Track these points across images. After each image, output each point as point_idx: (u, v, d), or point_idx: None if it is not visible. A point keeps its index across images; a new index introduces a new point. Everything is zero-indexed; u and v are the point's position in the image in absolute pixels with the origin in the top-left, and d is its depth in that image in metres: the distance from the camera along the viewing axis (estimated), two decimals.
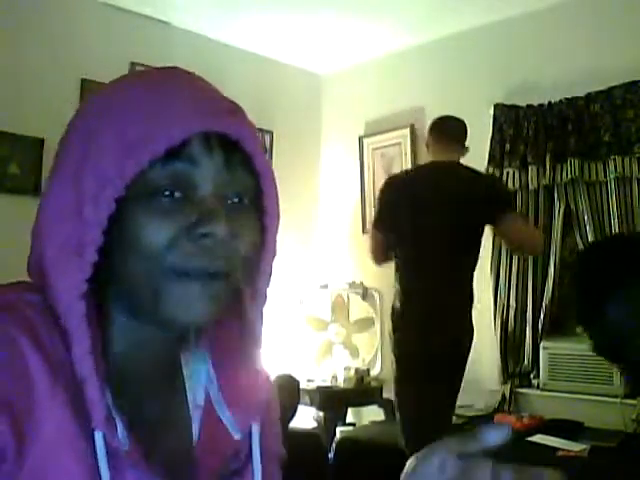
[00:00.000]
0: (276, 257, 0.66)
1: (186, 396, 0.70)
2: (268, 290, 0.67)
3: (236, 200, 0.61)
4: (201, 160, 0.59)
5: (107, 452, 0.56)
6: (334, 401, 3.75)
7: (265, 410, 0.70)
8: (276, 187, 0.64)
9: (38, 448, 0.54)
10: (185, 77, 0.63)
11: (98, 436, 0.56)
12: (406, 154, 4.08)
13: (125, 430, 0.59)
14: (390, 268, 2.73)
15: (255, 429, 0.68)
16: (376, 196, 2.85)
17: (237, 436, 0.67)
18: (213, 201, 0.59)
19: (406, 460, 0.54)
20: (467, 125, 2.84)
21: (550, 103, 3.40)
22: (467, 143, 2.81)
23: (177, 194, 0.58)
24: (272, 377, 0.74)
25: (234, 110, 0.62)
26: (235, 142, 0.60)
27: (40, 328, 0.57)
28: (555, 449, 2.78)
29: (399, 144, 4.13)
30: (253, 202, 0.63)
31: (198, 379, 0.70)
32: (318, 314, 4.10)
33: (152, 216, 0.57)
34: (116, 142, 0.57)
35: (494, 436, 0.52)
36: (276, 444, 0.75)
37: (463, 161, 2.77)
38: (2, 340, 0.55)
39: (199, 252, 0.58)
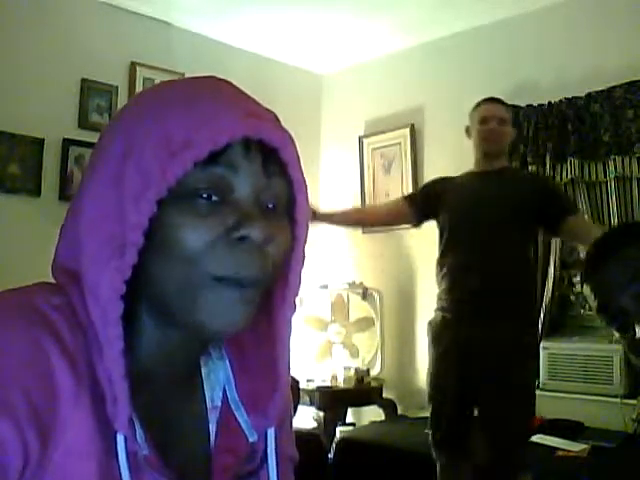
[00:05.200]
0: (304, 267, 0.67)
1: (204, 395, 0.70)
2: (297, 299, 0.67)
3: (271, 206, 0.62)
4: (240, 165, 0.59)
5: (127, 455, 0.57)
6: (334, 401, 3.74)
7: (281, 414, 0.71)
8: (308, 199, 0.65)
9: (61, 452, 0.54)
10: (223, 84, 0.64)
11: (120, 439, 0.56)
12: (406, 154, 4.08)
13: (143, 433, 0.59)
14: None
15: (270, 432, 0.68)
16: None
17: (252, 439, 0.67)
18: (250, 205, 0.59)
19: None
20: None
21: (550, 103, 3.40)
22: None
23: (214, 197, 0.58)
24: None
25: (273, 118, 0.63)
26: (273, 149, 0.60)
27: (64, 331, 0.57)
28: (555, 449, 2.78)
29: (399, 144, 4.13)
30: (285, 210, 0.63)
31: (216, 379, 0.71)
32: (318, 314, 4.10)
33: (189, 218, 0.57)
34: (159, 143, 0.57)
35: None
36: (289, 446, 0.76)
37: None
38: (28, 344, 0.55)
39: (236, 257, 0.58)
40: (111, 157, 0.60)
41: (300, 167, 0.63)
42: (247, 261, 0.59)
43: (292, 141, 0.62)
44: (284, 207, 0.63)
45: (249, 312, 0.61)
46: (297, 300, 0.67)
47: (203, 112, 0.58)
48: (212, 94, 0.61)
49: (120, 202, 0.57)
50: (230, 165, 0.58)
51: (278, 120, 0.64)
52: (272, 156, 0.61)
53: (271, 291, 0.66)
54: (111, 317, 0.56)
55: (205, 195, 0.58)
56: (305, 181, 0.64)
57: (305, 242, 0.65)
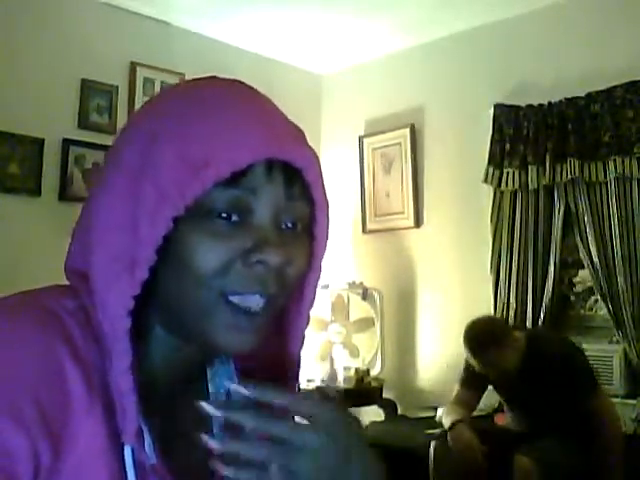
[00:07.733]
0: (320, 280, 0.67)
1: (208, 397, 0.70)
2: (310, 312, 0.67)
3: (290, 226, 0.61)
4: (262, 188, 0.58)
5: (135, 464, 0.57)
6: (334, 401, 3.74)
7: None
8: (329, 217, 0.64)
9: (72, 460, 0.54)
10: (249, 95, 0.62)
11: (127, 451, 0.56)
12: (406, 154, 4.08)
13: (152, 442, 0.59)
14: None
15: None
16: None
17: None
18: (269, 228, 0.58)
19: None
20: None
21: (550, 103, 3.39)
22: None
23: (234, 218, 0.57)
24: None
25: (298, 136, 0.62)
26: (297, 169, 0.59)
27: (78, 336, 0.57)
28: None
29: (399, 144, 4.12)
30: (306, 229, 0.63)
31: (221, 382, 0.71)
32: (318, 314, 4.09)
33: (207, 238, 0.56)
34: (178, 158, 0.55)
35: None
36: None
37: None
38: (41, 350, 0.54)
39: (252, 279, 0.57)
40: (128, 163, 0.58)
41: (323, 186, 0.62)
42: (264, 282, 0.58)
43: (317, 160, 0.61)
44: (305, 226, 0.62)
45: (262, 334, 0.61)
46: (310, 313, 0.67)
47: (225, 129, 0.56)
48: (236, 108, 0.59)
49: (134, 217, 0.56)
50: (251, 187, 0.57)
51: (304, 136, 0.62)
52: (295, 176, 0.59)
53: (286, 303, 0.66)
54: (119, 332, 0.56)
55: (224, 215, 0.57)
56: (328, 202, 0.63)
57: (322, 258, 0.65)
